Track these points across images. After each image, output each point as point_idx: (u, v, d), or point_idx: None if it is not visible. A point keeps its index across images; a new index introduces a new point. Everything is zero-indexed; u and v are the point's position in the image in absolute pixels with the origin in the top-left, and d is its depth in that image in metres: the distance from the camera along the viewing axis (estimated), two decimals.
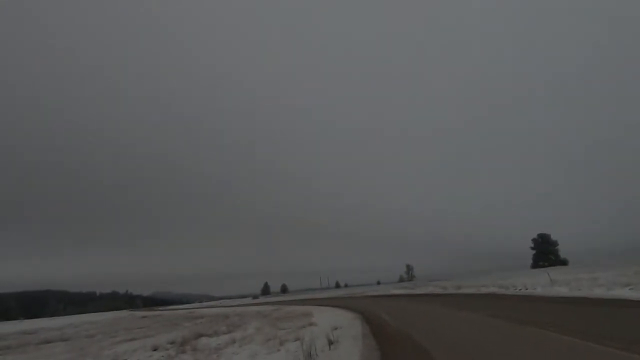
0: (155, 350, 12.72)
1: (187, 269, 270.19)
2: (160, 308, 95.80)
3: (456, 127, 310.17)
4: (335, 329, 10.63)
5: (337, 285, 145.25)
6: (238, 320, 21.90)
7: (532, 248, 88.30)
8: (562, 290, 16.45)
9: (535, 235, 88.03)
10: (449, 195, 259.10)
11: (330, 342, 7.80)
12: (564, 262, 79.86)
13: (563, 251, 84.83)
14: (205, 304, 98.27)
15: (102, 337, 23.04)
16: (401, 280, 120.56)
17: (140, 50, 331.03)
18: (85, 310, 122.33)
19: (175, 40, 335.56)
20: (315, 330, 11.14)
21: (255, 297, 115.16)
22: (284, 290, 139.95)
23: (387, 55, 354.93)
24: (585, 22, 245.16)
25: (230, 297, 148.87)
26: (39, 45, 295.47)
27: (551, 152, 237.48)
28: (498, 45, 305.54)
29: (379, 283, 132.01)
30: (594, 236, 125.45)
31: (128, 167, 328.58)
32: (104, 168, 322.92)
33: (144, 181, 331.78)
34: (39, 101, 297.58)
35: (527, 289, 19.44)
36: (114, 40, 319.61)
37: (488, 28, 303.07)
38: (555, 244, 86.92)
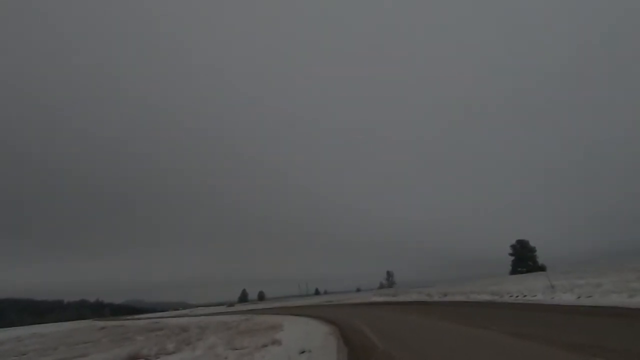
0: None
1: (163, 276, 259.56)
2: (127, 317, 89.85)
3: (435, 133, 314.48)
4: (302, 352, 7.95)
5: (317, 292, 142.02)
6: (196, 334, 18.80)
7: (511, 254, 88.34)
8: (569, 298, 14.37)
9: (513, 242, 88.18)
10: (427, 201, 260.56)
11: None
12: (542, 268, 79.94)
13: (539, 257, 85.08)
14: (175, 312, 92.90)
15: (33, 356, 19.64)
16: (381, 287, 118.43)
17: (137, 54, 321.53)
18: (46, 320, 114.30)
19: (174, 43, 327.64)
20: (276, 353, 8.43)
21: (230, 305, 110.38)
22: (261, 297, 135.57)
23: (371, 60, 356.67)
24: (561, 31, 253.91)
25: (206, 305, 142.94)
26: (41, 49, 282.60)
27: (527, 160, 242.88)
28: (476, 54, 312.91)
29: (358, 290, 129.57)
30: (566, 242, 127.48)
31: (101, 171, 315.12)
32: (75, 172, 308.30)
33: (117, 186, 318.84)
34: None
35: (525, 296, 17.34)
36: (120, 45, 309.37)
37: (468, 36, 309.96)
38: (533, 250, 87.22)
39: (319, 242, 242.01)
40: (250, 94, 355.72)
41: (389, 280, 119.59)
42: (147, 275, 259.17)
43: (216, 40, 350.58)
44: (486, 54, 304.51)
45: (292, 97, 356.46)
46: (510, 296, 18.41)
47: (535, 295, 16.71)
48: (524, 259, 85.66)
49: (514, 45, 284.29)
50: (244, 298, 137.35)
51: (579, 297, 13.72)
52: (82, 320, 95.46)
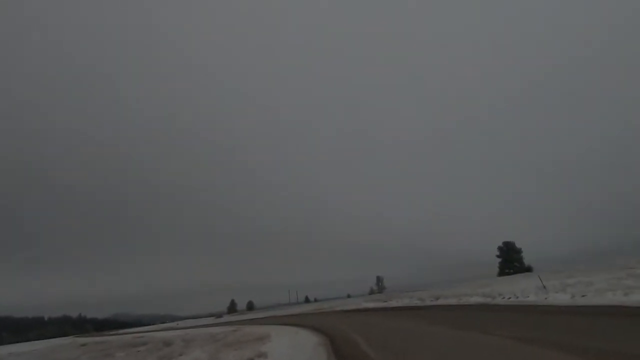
0: None
1: (150, 288, 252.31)
2: (111, 332, 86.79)
3: (422, 136, 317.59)
4: None
5: (307, 300, 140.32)
6: (180, 348, 17.89)
7: (498, 256, 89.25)
8: (563, 298, 14.12)
9: (499, 244, 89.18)
10: (413, 204, 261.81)
11: None
12: (528, 269, 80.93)
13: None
14: (161, 326, 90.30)
15: None
16: (372, 292, 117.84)
17: (132, 55, 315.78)
18: (26, 338, 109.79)
19: (168, 40, 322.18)
20: None
21: (219, 316, 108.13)
22: (251, 307, 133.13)
23: (363, 57, 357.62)
24: (557, 35, 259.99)
25: (194, 317, 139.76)
26: (39, 50, 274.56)
27: (510, 161, 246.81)
28: (468, 56, 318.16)
29: (349, 296, 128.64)
30: (550, 242, 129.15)
31: (82, 181, 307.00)
32: (55, 182, 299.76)
33: (99, 194, 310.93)
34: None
35: (517, 297, 17.09)
36: (112, 45, 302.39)
37: (462, 38, 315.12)
38: (519, 251, 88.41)
39: (308, 249, 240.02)
40: (241, 93, 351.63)
41: (379, 286, 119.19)
42: (133, 288, 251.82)
43: (211, 40, 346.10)
44: (478, 56, 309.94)
45: (277, 97, 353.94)
46: (503, 298, 18.16)
47: (528, 296, 16.47)
48: (510, 260, 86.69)
49: (506, 48, 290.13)
50: (232, 308, 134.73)
51: (573, 297, 13.48)
52: (64, 337, 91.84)
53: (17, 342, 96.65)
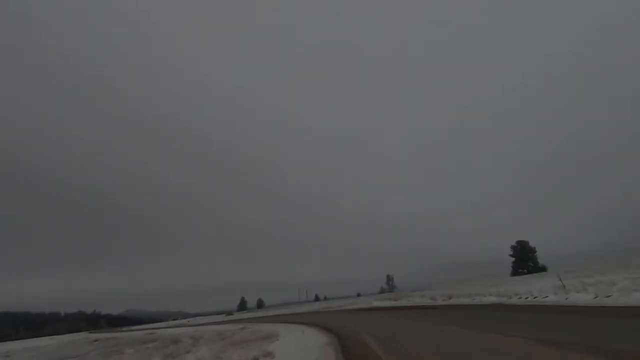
0: None
1: (162, 285, 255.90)
2: (124, 329, 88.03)
3: (432, 135, 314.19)
4: None
5: (317, 299, 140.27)
6: (187, 345, 17.67)
7: (511, 255, 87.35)
8: (585, 298, 13.40)
9: (512, 243, 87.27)
10: (423, 203, 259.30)
11: None
12: (542, 269, 79.05)
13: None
14: (172, 323, 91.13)
15: None
16: (382, 291, 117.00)
17: (137, 53, 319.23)
18: (42, 334, 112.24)
19: (166, 37, 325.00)
20: None
21: (229, 313, 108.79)
22: (260, 305, 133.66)
23: (358, 56, 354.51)
24: (553, 29, 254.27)
25: (205, 314, 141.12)
26: (36, 52, 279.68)
27: (521, 160, 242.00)
28: (470, 49, 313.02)
29: (359, 295, 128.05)
30: (562, 242, 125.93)
31: (97, 180, 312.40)
32: (70, 181, 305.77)
33: (113, 194, 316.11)
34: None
35: (535, 297, 16.36)
36: (111, 44, 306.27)
37: (463, 37, 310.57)
38: (533, 250, 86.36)
39: (319, 248, 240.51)
40: (243, 93, 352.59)
41: (390, 285, 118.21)
42: (146, 285, 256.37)
43: (210, 38, 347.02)
44: (482, 53, 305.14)
45: (288, 98, 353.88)
46: (519, 297, 17.44)
47: (546, 296, 15.74)
48: (524, 259, 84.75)
49: (509, 44, 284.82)
50: (243, 306, 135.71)
51: (596, 297, 12.76)
52: (78, 333, 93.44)
53: (33, 337, 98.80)
